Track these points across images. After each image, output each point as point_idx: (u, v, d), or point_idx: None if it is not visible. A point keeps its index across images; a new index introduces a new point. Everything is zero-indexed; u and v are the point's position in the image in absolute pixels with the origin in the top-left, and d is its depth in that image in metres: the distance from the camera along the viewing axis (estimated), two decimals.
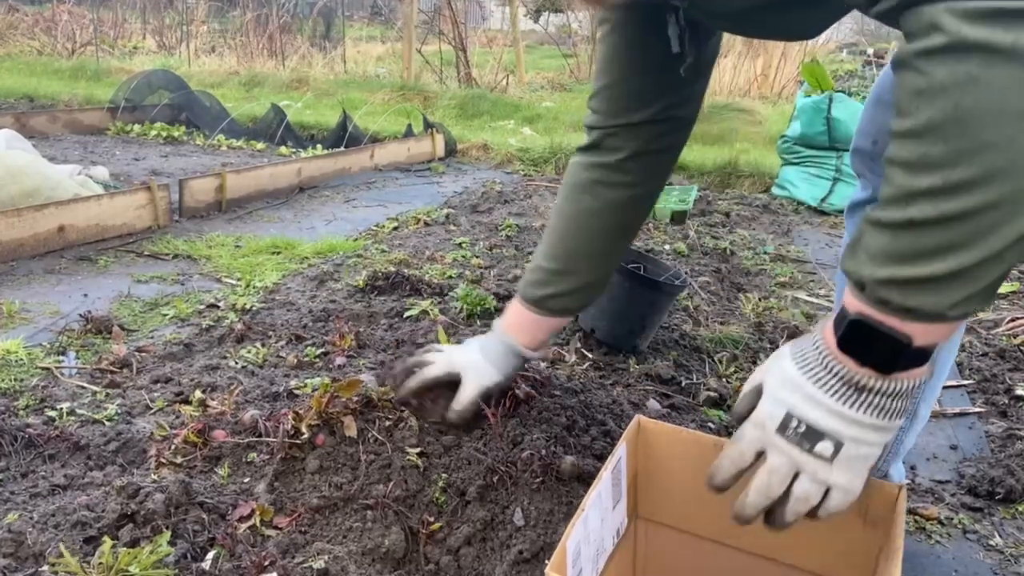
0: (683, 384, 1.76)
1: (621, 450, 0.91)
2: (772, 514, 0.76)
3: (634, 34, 1.11)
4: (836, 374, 0.71)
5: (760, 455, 0.76)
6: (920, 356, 0.70)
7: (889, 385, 0.71)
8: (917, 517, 1.35)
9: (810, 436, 0.72)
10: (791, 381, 0.74)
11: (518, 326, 1.26)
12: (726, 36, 1.34)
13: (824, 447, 0.72)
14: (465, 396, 1.24)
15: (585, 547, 0.82)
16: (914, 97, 0.63)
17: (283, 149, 4.69)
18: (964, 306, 0.66)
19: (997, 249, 0.63)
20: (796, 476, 0.74)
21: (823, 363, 0.72)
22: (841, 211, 3.46)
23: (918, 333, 0.67)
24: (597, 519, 0.86)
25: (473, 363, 1.25)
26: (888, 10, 0.67)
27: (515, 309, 1.27)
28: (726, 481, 0.79)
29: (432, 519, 1.16)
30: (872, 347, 0.69)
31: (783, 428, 0.74)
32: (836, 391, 0.71)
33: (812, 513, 0.74)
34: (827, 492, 0.73)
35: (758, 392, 0.79)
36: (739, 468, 0.78)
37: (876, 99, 1.14)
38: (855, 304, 0.70)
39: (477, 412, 1.26)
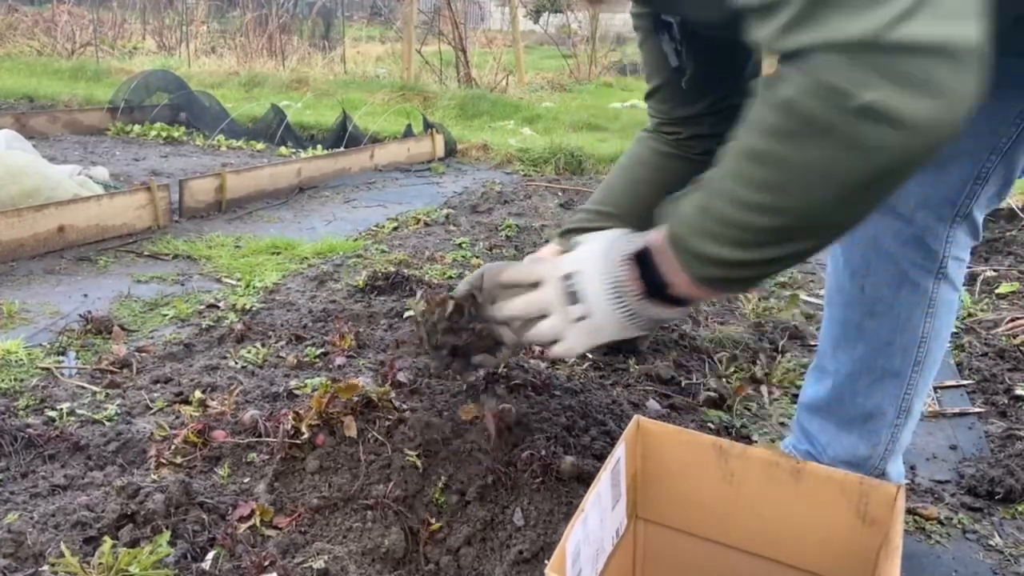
0: (683, 384, 1.76)
1: (620, 450, 0.91)
2: (515, 328, 1.01)
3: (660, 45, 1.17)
4: (619, 273, 0.89)
5: (535, 285, 0.97)
6: (677, 301, 0.87)
7: (641, 306, 0.88)
8: (917, 517, 1.35)
9: (573, 297, 0.92)
10: (591, 256, 0.92)
11: (548, 253, 1.29)
12: None
13: (576, 310, 0.92)
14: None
15: (585, 547, 0.82)
16: (758, 126, 0.72)
17: (283, 149, 4.69)
18: (719, 284, 0.82)
19: (761, 258, 0.76)
20: (545, 317, 0.95)
21: (620, 261, 0.89)
22: None
23: (680, 284, 0.84)
24: (596, 519, 0.86)
25: None
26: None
27: (548, 246, 1.30)
28: (506, 283, 1.03)
29: (432, 519, 1.17)
30: (647, 273, 0.87)
31: (566, 277, 0.93)
32: (611, 284, 0.89)
33: (540, 346, 0.98)
34: (556, 341, 0.95)
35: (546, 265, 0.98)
36: (517, 282, 1.01)
37: None
38: (659, 235, 0.85)
39: None
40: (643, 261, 0.87)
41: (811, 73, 0.65)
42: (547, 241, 2.81)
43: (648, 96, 1.30)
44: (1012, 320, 2.17)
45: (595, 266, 0.90)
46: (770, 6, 0.68)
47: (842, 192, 0.69)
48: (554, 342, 0.95)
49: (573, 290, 0.92)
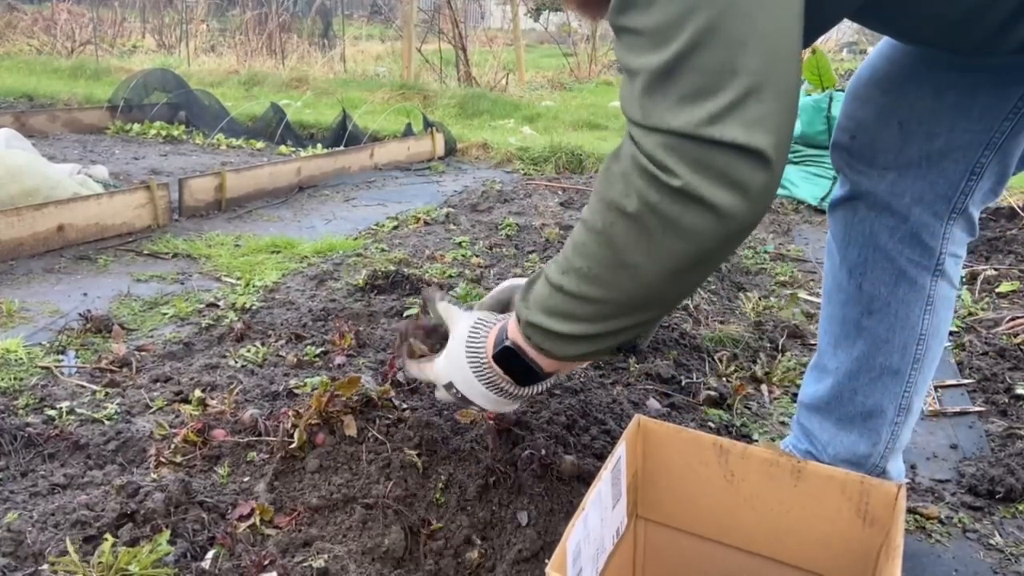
0: (683, 383, 1.76)
1: (620, 449, 0.91)
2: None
3: None
4: (487, 376, 0.98)
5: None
6: (547, 375, 0.97)
7: (520, 390, 0.99)
8: (917, 516, 1.35)
9: (464, 401, 1.04)
10: (459, 367, 1.01)
11: None
12: None
13: (473, 408, 1.08)
14: None
15: (585, 546, 0.82)
16: (596, 198, 0.80)
17: (283, 148, 4.69)
18: (579, 357, 0.90)
19: (608, 330, 0.84)
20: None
21: (481, 364, 0.98)
22: None
23: (546, 364, 0.93)
24: (597, 518, 0.86)
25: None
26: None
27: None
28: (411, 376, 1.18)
29: (432, 518, 1.16)
30: (514, 367, 0.95)
31: (448, 387, 1.04)
32: (485, 385, 0.99)
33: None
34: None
35: (443, 325, 1.11)
36: (419, 380, 1.15)
37: (853, 94, 1.14)
38: (513, 332, 0.94)
39: None
40: (509, 357, 0.95)
41: (641, 152, 0.73)
42: (547, 240, 2.81)
43: None
44: (1012, 319, 2.17)
45: (465, 375, 1.00)
46: (628, 72, 0.75)
47: (669, 270, 0.77)
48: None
49: (460, 396, 1.03)
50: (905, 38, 1.05)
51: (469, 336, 1.01)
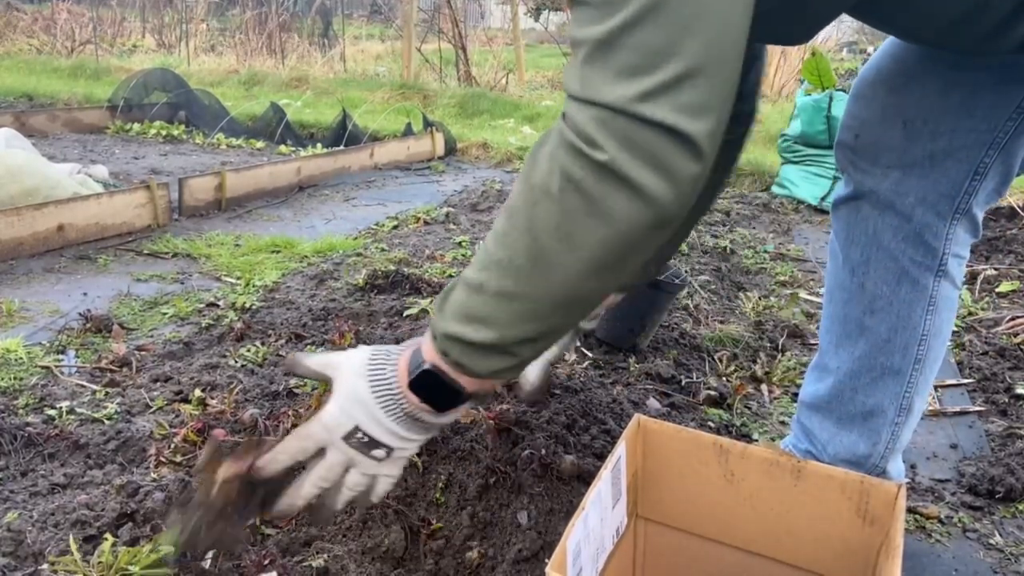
0: (683, 383, 1.76)
1: (620, 449, 0.91)
2: (324, 504, 0.89)
3: None
4: (400, 407, 0.85)
5: (321, 451, 0.87)
6: (468, 398, 0.85)
7: (439, 419, 0.86)
8: (917, 516, 1.35)
9: (370, 445, 0.86)
10: (363, 402, 0.85)
11: None
12: None
13: (379, 452, 0.87)
14: (532, 372, 1.31)
15: (585, 546, 0.82)
16: (521, 179, 0.76)
17: (283, 148, 4.69)
18: (498, 374, 0.81)
19: (526, 335, 0.77)
20: (347, 469, 0.88)
21: (392, 396, 0.85)
22: None
23: (467, 383, 0.82)
24: (597, 518, 0.86)
25: None
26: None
27: None
28: (278, 472, 0.88)
29: (432, 518, 1.16)
30: (434, 393, 0.84)
31: (348, 436, 0.86)
32: (398, 419, 0.85)
33: (362, 498, 0.90)
34: (374, 479, 0.89)
35: (324, 376, 0.91)
36: (297, 460, 0.89)
37: (857, 93, 1.14)
38: (429, 352, 0.83)
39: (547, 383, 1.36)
40: (427, 382, 0.83)
41: (569, 126, 0.70)
42: None
43: None
44: (1013, 319, 2.17)
45: (373, 413, 0.85)
46: (573, 43, 0.73)
47: (589, 258, 0.72)
48: (372, 481, 0.89)
49: (365, 440, 0.86)
50: (906, 36, 1.05)
51: (368, 367, 0.86)
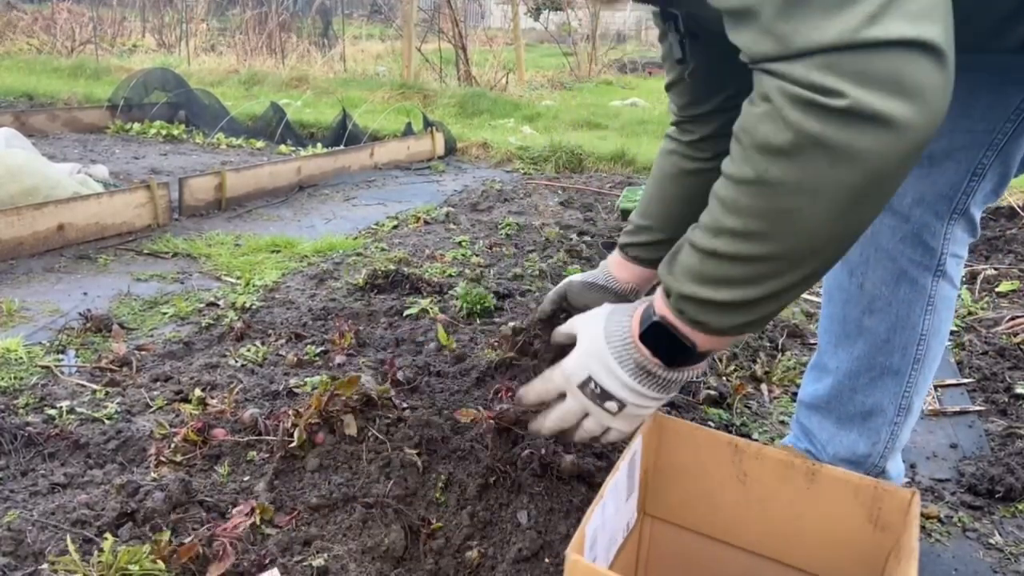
0: None
1: (637, 443, 0.91)
2: (564, 435, 0.98)
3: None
4: (632, 358, 0.88)
5: (562, 395, 0.96)
6: (700, 356, 0.86)
7: (671, 373, 0.88)
8: None
9: (603, 396, 0.91)
10: (598, 353, 0.90)
11: (615, 263, 1.34)
12: None
13: (611, 405, 0.91)
14: None
15: (601, 535, 0.82)
16: (740, 148, 0.73)
17: (283, 148, 4.69)
18: (740, 329, 0.81)
19: (772, 291, 0.76)
20: (586, 415, 0.94)
21: (624, 347, 0.89)
22: None
23: (701, 341, 0.83)
24: (613, 508, 0.86)
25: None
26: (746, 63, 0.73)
27: (614, 258, 1.36)
28: (531, 404, 1.00)
29: (432, 518, 1.16)
30: (664, 345, 0.86)
31: (583, 386, 0.92)
32: (630, 370, 0.89)
33: (595, 440, 0.96)
34: (607, 430, 0.94)
35: (572, 338, 0.97)
36: (543, 400, 0.98)
37: None
38: (661, 307, 0.85)
39: None
40: (658, 334, 0.85)
41: (790, 83, 0.66)
42: (547, 240, 2.81)
43: (667, 88, 1.31)
44: (1012, 318, 2.17)
45: (607, 364, 0.89)
46: (742, 12, 0.68)
47: (838, 205, 0.69)
48: (604, 432, 0.94)
49: (599, 391, 0.91)
50: None
51: (607, 321, 0.91)
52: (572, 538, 0.75)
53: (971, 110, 1.00)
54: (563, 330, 1.03)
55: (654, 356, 0.87)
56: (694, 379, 0.94)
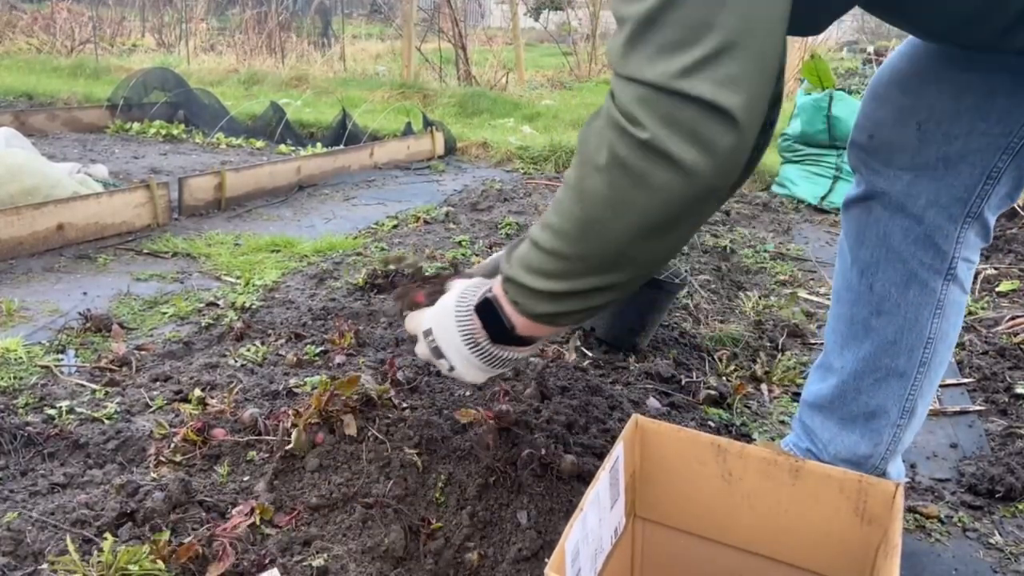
0: (683, 382, 1.76)
1: (618, 449, 0.91)
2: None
3: None
4: (467, 326, 0.98)
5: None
6: (522, 340, 0.96)
7: (496, 350, 0.98)
8: (917, 515, 1.35)
9: (437, 352, 1.02)
10: (445, 311, 1.01)
11: None
12: None
13: (443, 364, 1.03)
14: None
15: (584, 547, 0.82)
16: (576, 155, 0.81)
17: (282, 147, 4.69)
18: (551, 318, 0.90)
19: (575, 289, 0.84)
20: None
21: (466, 313, 0.98)
22: None
23: (520, 324, 0.93)
24: (595, 519, 0.86)
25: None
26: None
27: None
28: (409, 333, 1.11)
29: (432, 518, 1.16)
30: (491, 320, 0.95)
31: (426, 335, 1.04)
32: (463, 335, 0.98)
33: None
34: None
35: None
36: (412, 334, 1.09)
37: (872, 94, 1.13)
38: (497, 286, 0.94)
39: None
40: (487, 309, 0.95)
41: (615, 107, 0.73)
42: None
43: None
44: (1012, 318, 2.17)
45: (447, 321, 1.00)
46: (618, 20, 0.75)
47: (635, 227, 0.77)
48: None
49: (435, 346, 1.02)
50: (917, 31, 1.04)
51: (462, 290, 1.01)
52: (552, 555, 0.75)
53: (988, 113, 1.00)
54: (449, 285, 1.11)
55: (483, 328, 0.96)
56: (519, 361, 1.03)
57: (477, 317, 0.97)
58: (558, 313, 0.88)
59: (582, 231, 0.80)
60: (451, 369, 1.02)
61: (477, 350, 0.98)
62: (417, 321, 1.07)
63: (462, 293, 1.01)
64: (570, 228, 0.81)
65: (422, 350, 1.07)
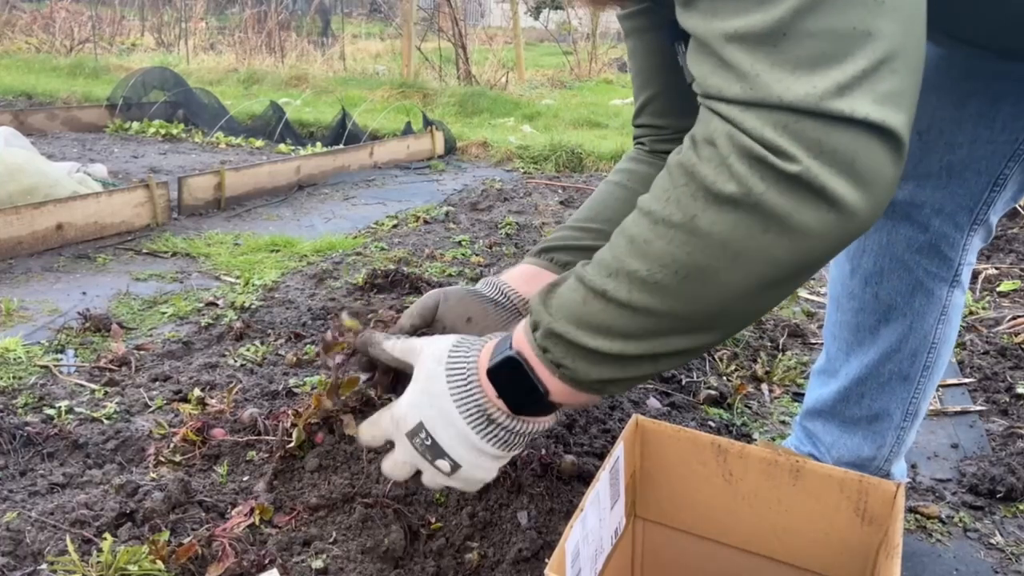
0: (683, 382, 1.76)
1: (619, 450, 0.91)
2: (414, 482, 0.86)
3: (660, 43, 1.06)
4: (474, 399, 0.76)
5: (391, 442, 0.83)
6: (549, 407, 0.76)
7: (514, 424, 0.77)
8: (918, 515, 1.35)
9: (434, 450, 0.78)
10: (434, 392, 0.77)
11: (521, 275, 1.10)
12: None
13: (443, 464, 0.79)
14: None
15: (584, 547, 0.82)
16: (671, 185, 0.64)
17: (282, 147, 4.68)
18: (603, 386, 0.72)
19: (652, 352, 0.68)
20: (419, 471, 0.82)
21: (468, 384, 0.76)
22: None
23: (555, 389, 0.73)
24: (595, 519, 0.85)
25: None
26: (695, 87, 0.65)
27: (519, 268, 1.13)
28: (367, 446, 0.89)
29: (432, 518, 1.16)
30: (514, 386, 0.75)
31: (413, 435, 0.79)
32: (470, 415, 0.76)
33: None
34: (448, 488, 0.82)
35: (406, 364, 0.84)
36: (375, 445, 0.86)
37: None
38: (521, 341, 0.74)
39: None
40: (510, 372, 0.75)
41: (741, 132, 0.59)
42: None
43: (639, 112, 1.14)
44: (1014, 318, 2.17)
45: (441, 403, 0.76)
46: (712, 42, 0.61)
47: (755, 278, 0.62)
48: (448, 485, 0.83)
49: (429, 443, 0.78)
50: (945, 36, 0.98)
51: (450, 353, 0.79)
52: (552, 555, 0.75)
53: (993, 121, 0.98)
54: (397, 350, 0.86)
55: (498, 397, 0.76)
56: (536, 434, 0.80)
57: (489, 384, 0.76)
58: (617, 380, 0.71)
59: (683, 283, 0.63)
60: (453, 471, 0.79)
61: (490, 431, 0.77)
62: (389, 421, 0.81)
63: (452, 357, 0.78)
64: (664, 278, 0.64)
65: (403, 457, 0.81)
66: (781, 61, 0.58)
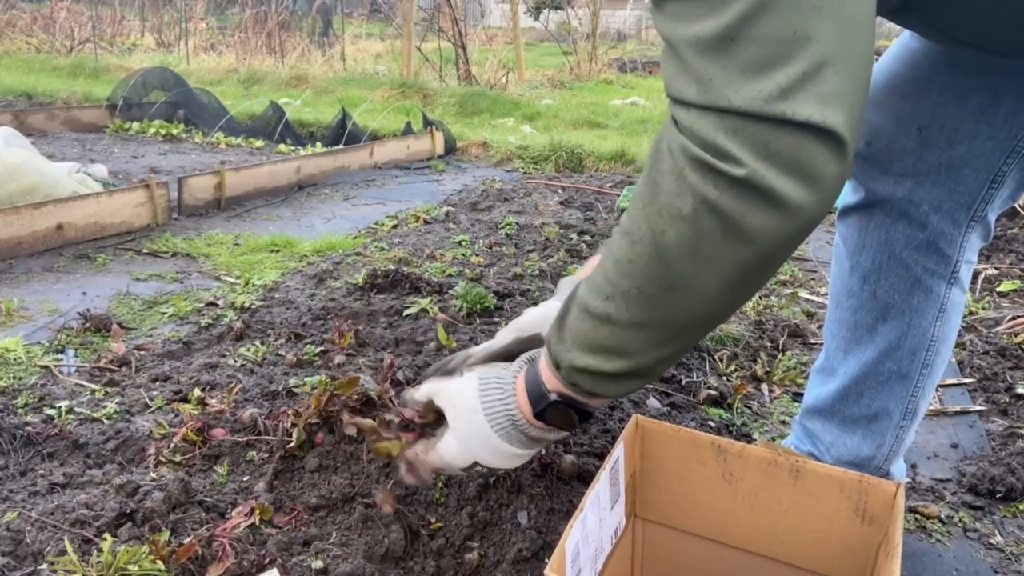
0: (683, 382, 1.76)
1: (619, 450, 0.91)
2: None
3: None
4: (524, 434, 0.88)
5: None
6: (590, 415, 0.88)
7: (559, 435, 0.90)
8: (918, 515, 1.35)
9: (488, 471, 0.99)
10: (486, 439, 0.89)
11: None
12: None
13: (483, 468, 0.95)
14: None
15: (584, 547, 0.82)
16: (638, 203, 0.70)
17: (282, 147, 4.68)
18: (628, 393, 0.84)
19: (662, 358, 0.76)
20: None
21: (516, 426, 0.88)
22: None
23: (596, 404, 0.86)
24: (595, 519, 0.85)
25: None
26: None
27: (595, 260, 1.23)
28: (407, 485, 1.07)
29: (432, 518, 1.16)
30: (565, 419, 0.86)
31: (467, 468, 0.94)
32: (520, 443, 0.89)
33: None
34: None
35: (431, 410, 0.98)
36: (418, 485, 1.05)
37: (869, 100, 1.12)
38: (554, 383, 0.83)
39: None
40: (558, 409, 0.85)
41: (694, 142, 0.63)
42: (547, 239, 2.80)
43: None
44: (1013, 318, 2.16)
45: (494, 446, 0.89)
46: (674, 47, 0.64)
47: (728, 279, 0.67)
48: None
49: (484, 471, 0.98)
50: (942, 37, 0.99)
51: (483, 401, 0.89)
52: (552, 555, 0.75)
53: (993, 117, 0.98)
54: (420, 396, 0.98)
55: (549, 427, 0.88)
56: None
57: (537, 421, 0.87)
58: (637, 388, 0.82)
59: (667, 291, 0.69)
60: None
61: (532, 443, 0.90)
62: (441, 460, 0.94)
63: (486, 404, 0.89)
64: (651, 291, 0.70)
65: (453, 474, 0.94)
66: (730, 66, 0.61)
